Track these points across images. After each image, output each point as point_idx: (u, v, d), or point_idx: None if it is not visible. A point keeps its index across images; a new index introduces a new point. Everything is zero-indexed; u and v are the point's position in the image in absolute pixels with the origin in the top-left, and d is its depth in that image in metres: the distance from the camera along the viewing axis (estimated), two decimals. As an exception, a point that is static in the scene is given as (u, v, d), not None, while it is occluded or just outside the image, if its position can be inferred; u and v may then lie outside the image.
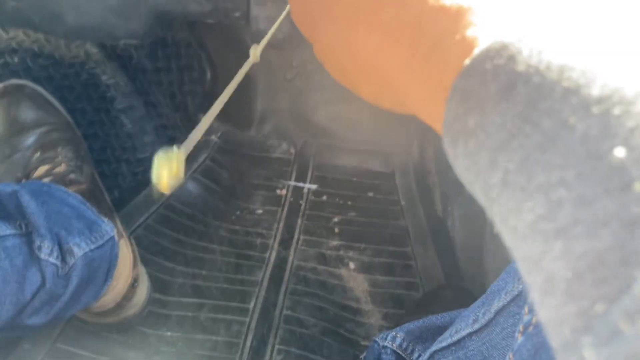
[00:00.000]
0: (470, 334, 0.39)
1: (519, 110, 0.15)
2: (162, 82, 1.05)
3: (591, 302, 0.13)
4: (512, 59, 0.16)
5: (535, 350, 0.27)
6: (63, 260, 0.61)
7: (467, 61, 0.17)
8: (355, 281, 0.94)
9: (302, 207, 1.07)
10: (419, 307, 0.83)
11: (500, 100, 0.16)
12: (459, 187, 0.97)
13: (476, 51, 0.17)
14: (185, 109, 1.09)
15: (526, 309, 0.30)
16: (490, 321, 0.37)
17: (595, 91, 0.14)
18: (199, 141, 1.05)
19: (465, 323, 0.39)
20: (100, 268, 0.66)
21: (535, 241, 0.15)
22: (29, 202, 0.59)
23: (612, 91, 0.14)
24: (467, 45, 0.18)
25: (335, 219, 1.04)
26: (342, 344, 0.84)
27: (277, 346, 0.83)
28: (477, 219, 0.88)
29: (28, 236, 0.59)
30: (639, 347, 0.11)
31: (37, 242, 0.58)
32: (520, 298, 0.33)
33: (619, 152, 0.13)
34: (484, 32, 0.18)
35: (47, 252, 0.59)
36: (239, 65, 1.17)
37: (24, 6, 0.82)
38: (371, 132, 1.16)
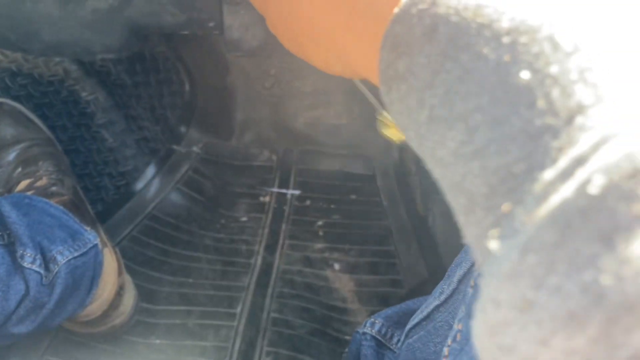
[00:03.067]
0: (437, 307, 0.40)
1: (441, 48, 0.17)
2: (141, 95, 1.06)
3: (503, 213, 0.14)
4: (434, 3, 0.17)
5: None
6: (46, 268, 0.61)
7: (396, 9, 0.19)
8: (341, 282, 0.95)
9: (286, 212, 1.08)
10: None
11: (425, 42, 0.17)
12: (438, 185, 0.98)
13: (403, 0, 0.19)
14: (165, 121, 1.10)
15: (476, 266, 0.31)
16: (454, 291, 0.38)
17: (505, 24, 0.16)
18: (182, 153, 1.06)
19: (433, 297, 0.41)
20: (85, 276, 0.66)
21: (458, 166, 0.16)
22: (9, 212, 0.60)
23: (519, 22, 0.15)
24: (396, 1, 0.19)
25: (319, 223, 1.05)
26: (330, 343, 0.85)
27: (265, 348, 0.83)
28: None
29: (10, 246, 0.60)
30: (536, 235, 0.13)
31: (20, 251, 0.59)
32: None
33: (525, 75, 0.15)
34: None
35: (30, 260, 0.59)
36: (217, 77, 1.19)
37: None
38: (351, 136, 1.18)
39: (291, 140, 1.19)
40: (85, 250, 0.66)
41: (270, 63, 1.16)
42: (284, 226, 1.05)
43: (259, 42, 0.88)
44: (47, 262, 0.62)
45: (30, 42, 0.86)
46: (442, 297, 0.40)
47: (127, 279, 0.80)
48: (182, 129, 1.13)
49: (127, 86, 1.05)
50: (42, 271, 0.60)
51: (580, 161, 0.13)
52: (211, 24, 0.86)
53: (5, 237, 0.60)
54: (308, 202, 1.10)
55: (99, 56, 0.94)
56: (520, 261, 0.13)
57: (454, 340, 0.30)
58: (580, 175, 0.13)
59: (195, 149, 1.13)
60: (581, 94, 0.14)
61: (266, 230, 1.04)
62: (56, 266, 0.62)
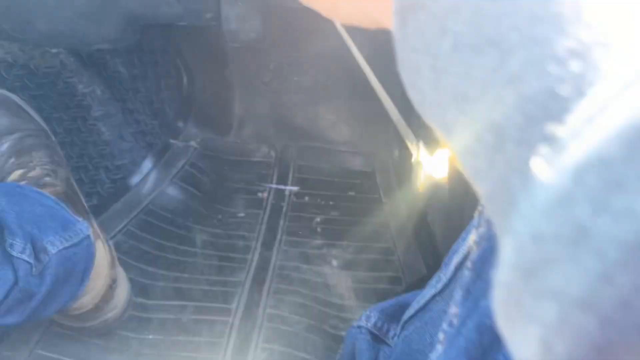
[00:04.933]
0: (434, 296, 0.39)
1: None
2: (139, 89, 1.05)
3: (543, 138, 0.13)
4: None
5: (477, 276, 0.27)
6: (36, 258, 0.60)
7: None
8: (339, 278, 0.94)
9: (284, 208, 1.07)
10: (401, 299, 0.83)
11: None
12: (439, 182, 0.97)
13: None
14: (163, 115, 1.09)
15: (474, 246, 0.29)
16: (450, 279, 0.37)
17: None
18: (179, 147, 1.05)
19: (429, 287, 0.39)
20: (76, 267, 0.65)
21: (487, 97, 0.14)
22: (-1, 200, 0.58)
23: None
24: None
25: (318, 219, 1.04)
26: (327, 340, 0.84)
27: (261, 344, 0.82)
28: (456, 211, 0.88)
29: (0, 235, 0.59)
30: (597, 152, 0.11)
31: (9, 240, 0.58)
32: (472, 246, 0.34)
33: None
34: None
35: (19, 249, 0.58)
36: (215, 71, 1.18)
37: (-6, 14, 0.82)
38: (351, 133, 1.17)
39: (290, 136, 1.18)
40: (77, 240, 0.65)
41: (269, 58, 1.14)
42: (281, 222, 1.04)
43: (257, 34, 0.87)
44: (37, 251, 0.60)
45: (26, 32, 0.85)
46: (439, 286, 0.38)
47: (121, 272, 0.78)
48: (180, 123, 1.12)
49: (125, 79, 1.04)
50: (31, 261, 0.59)
51: None
52: (208, 15, 0.85)
53: (-6, 226, 0.59)
54: (306, 199, 1.09)
55: (95, 46, 0.93)
56: (574, 184, 0.11)
57: (450, 325, 0.29)
58: None
59: (192, 143, 1.12)
60: None
61: (263, 226, 1.03)
62: (46, 256, 0.61)
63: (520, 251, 0.12)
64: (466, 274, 0.29)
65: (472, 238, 0.29)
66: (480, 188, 0.15)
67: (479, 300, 0.27)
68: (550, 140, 0.12)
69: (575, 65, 0.12)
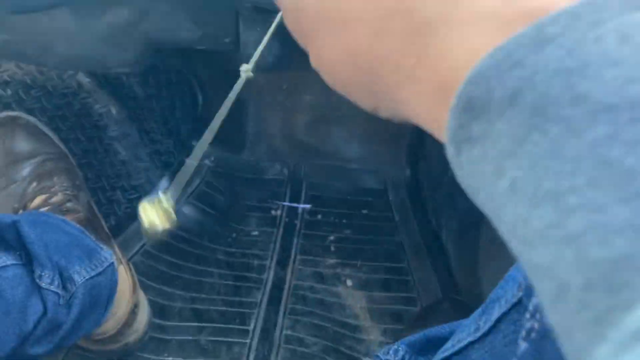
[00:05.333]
0: (472, 343, 0.39)
1: (526, 116, 0.15)
2: (154, 108, 1.06)
3: (606, 310, 0.13)
4: (517, 64, 0.16)
5: (539, 354, 0.27)
6: (64, 288, 0.61)
7: (471, 68, 0.17)
8: (353, 298, 0.95)
9: (298, 226, 1.07)
10: (417, 322, 0.83)
11: (506, 107, 0.16)
12: (451, 200, 0.98)
13: (481, 58, 0.17)
14: (177, 134, 1.10)
15: (527, 315, 0.30)
16: (491, 329, 0.37)
17: (604, 97, 0.14)
18: (194, 166, 1.06)
19: (466, 332, 0.40)
20: (101, 295, 0.66)
21: (546, 248, 0.14)
22: (28, 232, 0.59)
23: (621, 97, 0.14)
24: (473, 53, 0.18)
25: (331, 237, 1.05)
26: (343, 362, 0.85)
27: (278, 366, 0.83)
28: (470, 231, 0.89)
29: (28, 266, 0.59)
30: None
31: (38, 272, 0.59)
32: (520, 305, 0.34)
33: (630, 160, 0.13)
34: (489, 40, 0.18)
35: (47, 281, 0.59)
36: (229, 90, 1.18)
37: (15, 39, 0.83)
38: (363, 151, 1.17)
39: (303, 154, 1.19)
40: (102, 269, 0.66)
41: (283, 77, 1.15)
42: (295, 240, 1.04)
43: (275, 58, 0.88)
44: (64, 282, 0.61)
45: (46, 56, 0.85)
46: (478, 334, 0.39)
47: (142, 296, 0.79)
48: (194, 142, 1.13)
49: (140, 99, 1.05)
50: (59, 291, 0.60)
51: None
52: (227, 40, 0.86)
53: (23, 256, 0.60)
54: (319, 217, 1.10)
55: (113, 70, 0.94)
56: None
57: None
58: None
59: (207, 162, 1.12)
60: None
61: (277, 245, 1.03)
62: (74, 286, 0.62)
63: None
64: (522, 345, 0.29)
65: (527, 315, 0.30)
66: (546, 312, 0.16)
67: None
68: (612, 318, 0.12)
69: (636, 242, 0.13)
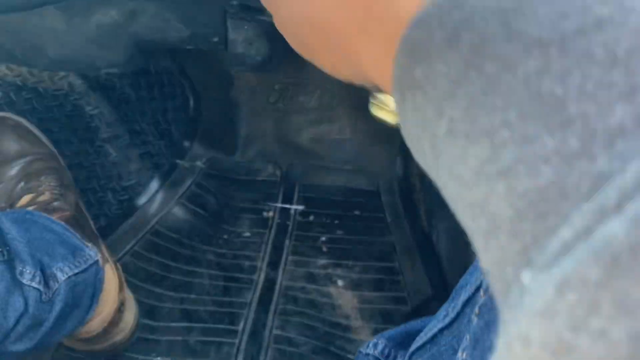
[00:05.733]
0: (441, 330, 0.39)
1: (463, 56, 0.16)
2: (145, 110, 1.06)
3: (532, 238, 0.13)
4: (457, 6, 0.16)
5: (486, 325, 0.27)
6: (46, 285, 0.61)
7: (415, 13, 0.18)
8: (344, 298, 0.94)
9: (290, 228, 1.07)
10: (407, 321, 0.83)
11: (446, 48, 0.16)
12: (443, 202, 0.98)
13: (425, 3, 0.17)
14: (169, 135, 1.10)
15: (482, 292, 0.30)
16: (458, 314, 0.37)
17: (535, 33, 0.14)
18: (186, 167, 1.05)
19: (436, 320, 0.40)
20: (85, 292, 0.66)
21: (480, 185, 0.15)
22: (10, 228, 0.59)
23: (550, 32, 0.14)
24: (417, 2, 0.18)
25: (323, 238, 1.05)
26: (333, 362, 0.84)
27: (267, 366, 0.82)
28: (461, 232, 0.89)
29: (10, 262, 0.59)
30: (574, 271, 0.12)
31: (19, 268, 0.59)
32: (481, 287, 0.34)
33: (558, 90, 0.13)
34: None
35: (29, 277, 0.59)
36: (221, 91, 1.18)
37: (5, 40, 0.83)
38: (355, 152, 1.17)
39: (295, 155, 1.19)
40: (85, 266, 0.65)
41: (275, 78, 1.15)
42: (287, 242, 1.04)
43: (263, 57, 0.88)
44: (46, 278, 0.61)
45: (36, 57, 0.86)
46: (447, 320, 0.39)
47: (129, 295, 0.79)
48: (186, 143, 1.13)
49: (132, 101, 1.05)
50: (41, 288, 0.60)
51: (627, 194, 0.11)
52: (215, 39, 0.86)
53: (5, 253, 0.59)
54: (312, 218, 1.09)
55: (103, 71, 0.94)
56: (556, 298, 0.12)
57: (459, 369, 0.30)
58: (630, 209, 0.11)
59: (198, 163, 1.12)
60: (623, 113, 0.13)
61: (269, 246, 1.03)
62: (56, 283, 0.62)
63: (510, 348, 0.13)
64: (475, 320, 0.29)
65: (481, 292, 0.30)
66: (478, 255, 0.16)
67: (486, 353, 0.28)
68: (539, 243, 0.13)
69: (562, 170, 0.13)
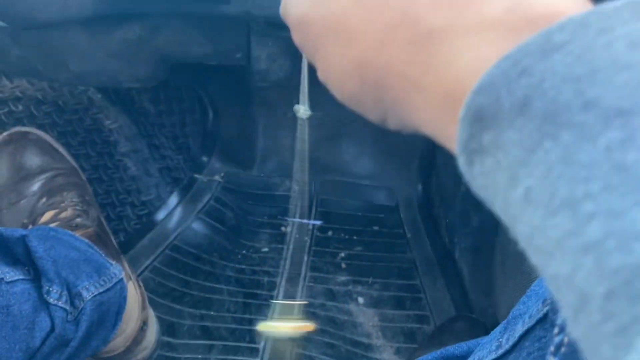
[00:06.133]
0: (494, 361, 0.38)
1: (537, 124, 0.15)
2: (164, 124, 1.06)
3: (630, 319, 0.12)
4: (525, 72, 0.16)
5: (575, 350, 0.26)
6: (72, 304, 0.60)
7: (480, 79, 0.17)
8: (365, 316, 0.93)
9: (308, 243, 1.06)
10: (431, 341, 0.82)
11: (516, 115, 0.16)
12: (464, 218, 0.96)
13: (488, 67, 0.17)
14: (187, 149, 1.09)
15: (556, 330, 0.29)
16: (514, 346, 0.36)
17: (615, 102, 0.14)
18: (204, 182, 1.05)
19: (487, 350, 0.39)
20: (110, 311, 0.65)
21: (565, 258, 0.14)
22: (36, 247, 0.59)
23: (631, 100, 0.14)
24: (479, 62, 0.18)
25: (342, 254, 1.04)
26: (355, 381, 0.83)
27: (289, 386, 0.81)
28: (484, 248, 0.88)
29: (36, 281, 0.59)
30: None
31: (46, 287, 0.58)
32: (546, 321, 0.33)
33: None
34: (495, 49, 0.18)
35: (55, 296, 0.58)
36: (239, 106, 1.18)
37: (28, 55, 0.83)
38: (374, 167, 1.17)
39: (313, 170, 1.18)
40: (110, 285, 0.65)
41: (293, 93, 1.15)
42: (305, 257, 1.03)
43: (286, 73, 0.87)
44: (72, 298, 0.60)
45: (58, 71, 0.86)
46: (500, 352, 0.37)
47: (150, 313, 0.78)
48: (204, 157, 1.13)
49: (151, 114, 1.05)
50: (67, 307, 0.59)
51: None
52: (238, 55, 0.86)
53: (31, 272, 0.59)
54: (330, 233, 1.09)
55: (124, 85, 0.94)
56: None
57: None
58: None
59: (217, 177, 1.12)
60: None
61: (287, 262, 1.02)
62: (82, 302, 0.61)
63: None
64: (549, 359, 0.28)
65: (556, 330, 0.29)
66: (567, 322, 0.15)
67: None
68: (638, 329, 0.12)
69: None
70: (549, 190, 0.15)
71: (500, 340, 0.38)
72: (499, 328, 0.40)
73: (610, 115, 0.14)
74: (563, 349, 0.28)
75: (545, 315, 0.33)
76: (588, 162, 0.14)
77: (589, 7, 0.17)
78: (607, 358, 0.13)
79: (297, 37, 0.28)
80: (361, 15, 0.22)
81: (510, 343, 0.36)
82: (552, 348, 0.29)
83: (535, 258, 0.16)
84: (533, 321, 0.34)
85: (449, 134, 0.19)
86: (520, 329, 0.36)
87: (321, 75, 0.27)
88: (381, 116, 0.24)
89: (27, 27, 0.74)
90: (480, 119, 0.17)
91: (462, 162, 0.18)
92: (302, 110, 0.39)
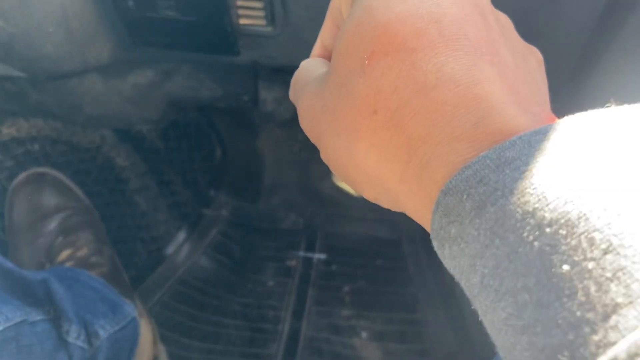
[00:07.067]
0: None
1: (490, 225, 0.19)
2: (173, 161, 1.10)
3: None
4: (481, 182, 0.19)
5: None
6: (89, 342, 0.63)
7: (447, 182, 0.21)
8: (368, 350, 0.95)
9: (312, 277, 1.09)
10: (433, 375, 0.84)
11: (474, 216, 0.19)
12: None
13: (454, 175, 0.21)
14: (195, 184, 1.13)
15: None
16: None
17: (547, 214, 0.17)
18: (211, 216, 1.07)
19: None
20: (124, 348, 0.68)
21: (508, 334, 0.17)
22: (57, 288, 0.62)
23: (559, 215, 0.17)
24: (449, 167, 0.22)
25: (346, 288, 1.06)
26: (359, 415, 0.85)
27: (294, 420, 0.83)
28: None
29: (56, 321, 0.61)
30: None
31: (65, 327, 0.61)
32: None
33: (565, 267, 0.16)
34: (461, 158, 0.21)
35: (74, 335, 0.61)
36: (246, 142, 1.21)
37: (46, 98, 0.87)
38: (376, 201, 1.19)
39: (318, 204, 1.21)
40: (125, 323, 0.67)
41: (298, 128, 1.18)
42: (310, 291, 1.06)
43: (291, 114, 0.91)
44: (89, 336, 0.63)
45: (74, 115, 0.89)
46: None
47: (161, 348, 0.81)
48: (212, 192, 1.16)
49: (161, 151, 1.08)
50: (85, 346, 0.62)
51: None
52: (246, 98, 0.90)
53: (52, 312, 0.62)
54: (334, 267, 1.11)
55: (137, 127, 0.98)
56: None
57: None
58: None
59: (224, 212, 1.15)
60: (615, 292, 0.15)
61: (293, 296, 1.05)
62: (98, 340, 0.64)
63: None
64: None
65: None
66: None
67: None
68: None
69: (570, 335, 0.16)
70: (498, 280, 0.18)
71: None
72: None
73: (542, 225, 0.17)
74: None
75: None
76: (526, 261, 0.17)
77: (542, 124, 0.21)
78: None
79: (302, 123, 0.31)
80: (355, 115, 0.25)
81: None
82: None
83: (489, 330, 0.19)
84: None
85: (426, 221, 0.23)
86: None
87: (323, 158, 0.30)
88: (374, 197, 0.28)
89: (49, 79, 0.78)
90: (447, 214, 0.20)
91: (435, 245, 0.22)
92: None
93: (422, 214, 0.24)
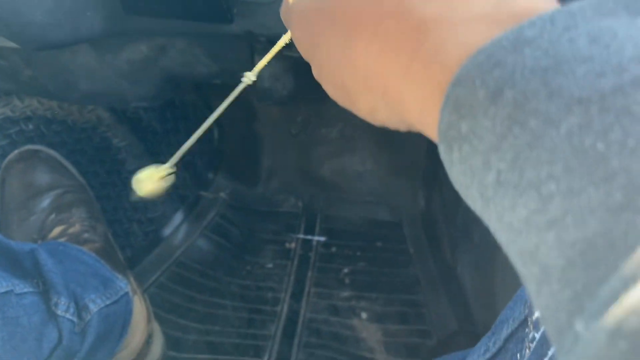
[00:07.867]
0: (482, 365, 0.39)
1: (507, 112, 0.17)
2: (171, 142, 1.08)
3: (583, 286, 0.14)
4: (498, 65, 0.17)
5: (546, 340, 0.27)
6: (79, 316, 0.61)
7: (457, 71, 0.18)
8: (368, 331, 0.94)
9: (312, 259, 1.07)
10: (433, 355, 0.82)
11: (489, 105, 0.17)
12: (466, 233, 0.97)
13: (466, 59, 0.18)
14: (194, 167, 1.11)
15: (530, 326, 0.30)
16: (500, 349, 0.37)
17: (575, 91, 0.15)
18: (209, 199, 1.06)
19: (476, 355, 0.40)
20: (116, 323, 0.66)
21: (530, 234, 0.15)
22: (46, 260, 0.60)
23: (590, 90, 0.15)
24: (463, 51, 0.19)
25: (345, 270, 1.05)
26: (358, 396, 0.84)
27: (292, 400, 0.82)
28: (487, 264, 0.89)
29: (45, 294, 0.60)
30: (625, 319, 0.12)
31: (54, 299, 0.60)
32: (527, 321, 0.34)
33: (600, 146, 0.14)
34: (480, 39, 0.19)
35: (63, 308, 0.60)
36: (245, 124, 1.19)
37: (39, 75, 0.86)
38: (377, 183, 1.18)
39: (317, 187, 1.19)
40: (116, 298, 0.66)
41: (297, 110, 1.17)
42: (309, 273, 1.04)
43: (289, 92, 0.89)
44: (79, 310, 0.62)
45: (68, 91, 0.88)
46: (487, 355, 0.38)
47: (156, 327, 0.79)
48: (210, 175, 1.15)
49: (158, 133, 1.07)
50: (74, 319, 0.61)
51: None
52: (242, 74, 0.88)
53: (40, 285, 0.60)
54: (334, 249, 1.10)
55: (132, 104, 0.96)
56: (609, 346, 0.12)
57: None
58: None
59: (222, 195, 1.14)
60: None
61: (292, 278, 1.03)
62: (88, 314, 0.62)
63: None
64: (526, 353, 0.30)
65: (530, 326, 0.30)
66: (531, 299, 0.16)
67: None
68: (590, 292, 0.13)
69: (608, 221, 0.14)
70: (517, 173, 0.16)
71: (488, 344, 0.39)
72: (488, 334, 0.41)
73: (571, 103, 0.15)
74: (534, 343, 0.29)
75: (526, 317, 0.34)
76: (551, 146, 0.15)
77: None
78: (563, 324, 0.14)
79: (296, 35, 0.29)
80: (357, 5, 0.23)
81: (497, 346, 0.37)
82: (527, 343, 0.30)
83: (505, 238, 0.17)
84: (516, 324, 0.35)
85: (431, 123, 0.20)
86: (505, 332, 0.37)
87: (315, 72, 0.28)
88: (370, 107, 0.25)
89: (38, 48, 0.76)
90: (457, 108, 0.18)
91: (442, 149, 0.19)
92: (249, 75, 0.40)
93: (427, 115, 0.21)
